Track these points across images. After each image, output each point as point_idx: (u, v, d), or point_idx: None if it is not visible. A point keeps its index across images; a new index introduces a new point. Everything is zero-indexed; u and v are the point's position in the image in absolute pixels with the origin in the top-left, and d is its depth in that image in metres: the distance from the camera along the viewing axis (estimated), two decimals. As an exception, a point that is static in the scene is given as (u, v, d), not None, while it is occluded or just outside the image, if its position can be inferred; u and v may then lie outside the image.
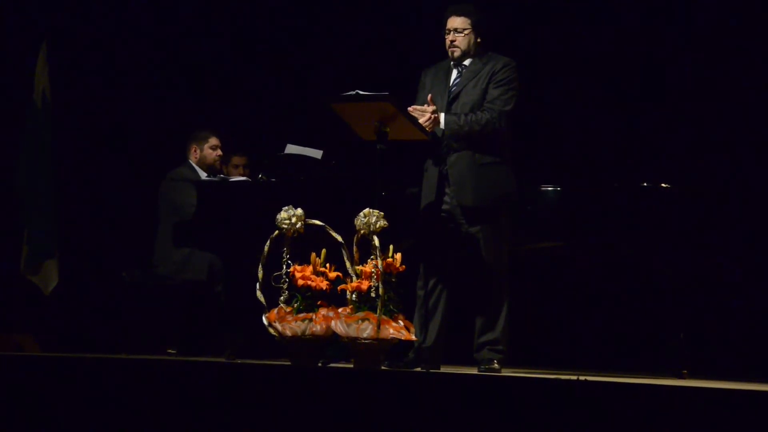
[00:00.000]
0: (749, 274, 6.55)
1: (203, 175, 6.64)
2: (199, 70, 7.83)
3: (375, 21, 7.50)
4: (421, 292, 5.33)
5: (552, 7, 7.12)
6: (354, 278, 4.65)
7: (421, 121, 5.18)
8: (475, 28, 5.32)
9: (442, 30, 5.36)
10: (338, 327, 4.55)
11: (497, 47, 5.39)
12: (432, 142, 5.28)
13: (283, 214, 4.72)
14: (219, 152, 6.78)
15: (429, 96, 5.25)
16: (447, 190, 5.29)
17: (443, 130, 5.24)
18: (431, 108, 5.20)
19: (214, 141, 6.79)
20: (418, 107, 5.22)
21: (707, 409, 3.60)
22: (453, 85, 5.35)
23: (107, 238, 7.58)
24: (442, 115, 5.23)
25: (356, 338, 4.51)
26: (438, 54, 5.42)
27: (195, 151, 6.79)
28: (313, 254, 4.72)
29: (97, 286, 7.39)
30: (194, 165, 6.75)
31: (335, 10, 7.62)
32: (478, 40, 5.34)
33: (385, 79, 6.28)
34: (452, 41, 5.32)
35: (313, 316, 4.61)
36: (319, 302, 4.67)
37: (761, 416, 3.52)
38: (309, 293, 4.67)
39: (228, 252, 5.97)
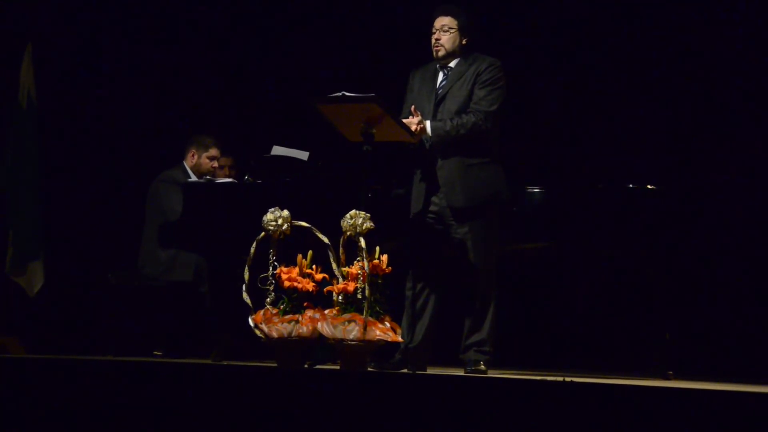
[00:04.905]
0: (735, 275, 6.57)
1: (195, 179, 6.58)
2: (184, 72, 7.81)
3: (361, 22, 7.49)
4: (409, 293, 5.32)
5: (538, 8, 7.12)
6: (340, 280, 4.64)
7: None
8: (461, 28, 5.31)
9: (429, 30, 5.36)
10: (324, 328, 4.55)
11: (484, 48, 5.39)
12: (419, 149, 5.27)
13: (269, 216, 4.71)
14: (215, 164, 6.68)
15: (413, 107, 5.23)
16: (436, 192, 5.27)
17: (430, 138, 5.23)
18: (417, 119, 5.18)
19: (213, 152, 6.68)
20: (404, 120, 5.20)
21: (693, 410, 3.60)
22: (439, 87, 5.34)
23: (93, 240, 7.55)
24: (428, 123, 5.22)
25: (342, 340, 4.51)
26: (425, 55, 5.42)
27: (193, 155, 6.68)
28: (300, 256, 4.72)
29: (83, 287, 7.36)
30: (188, 168, 6.66)
31: (322, 10, 7.61)
32: (464, 41, 5.32)
33: (372, 81, 6.28)
34: (437, 39, 5.30)
35: (300, 318, 4.61)
36: (305, 304, 4.66)
37: (747, 417, 3.52)
38: (295, 295, 4.66)
39: (214, 254, 5.94)
